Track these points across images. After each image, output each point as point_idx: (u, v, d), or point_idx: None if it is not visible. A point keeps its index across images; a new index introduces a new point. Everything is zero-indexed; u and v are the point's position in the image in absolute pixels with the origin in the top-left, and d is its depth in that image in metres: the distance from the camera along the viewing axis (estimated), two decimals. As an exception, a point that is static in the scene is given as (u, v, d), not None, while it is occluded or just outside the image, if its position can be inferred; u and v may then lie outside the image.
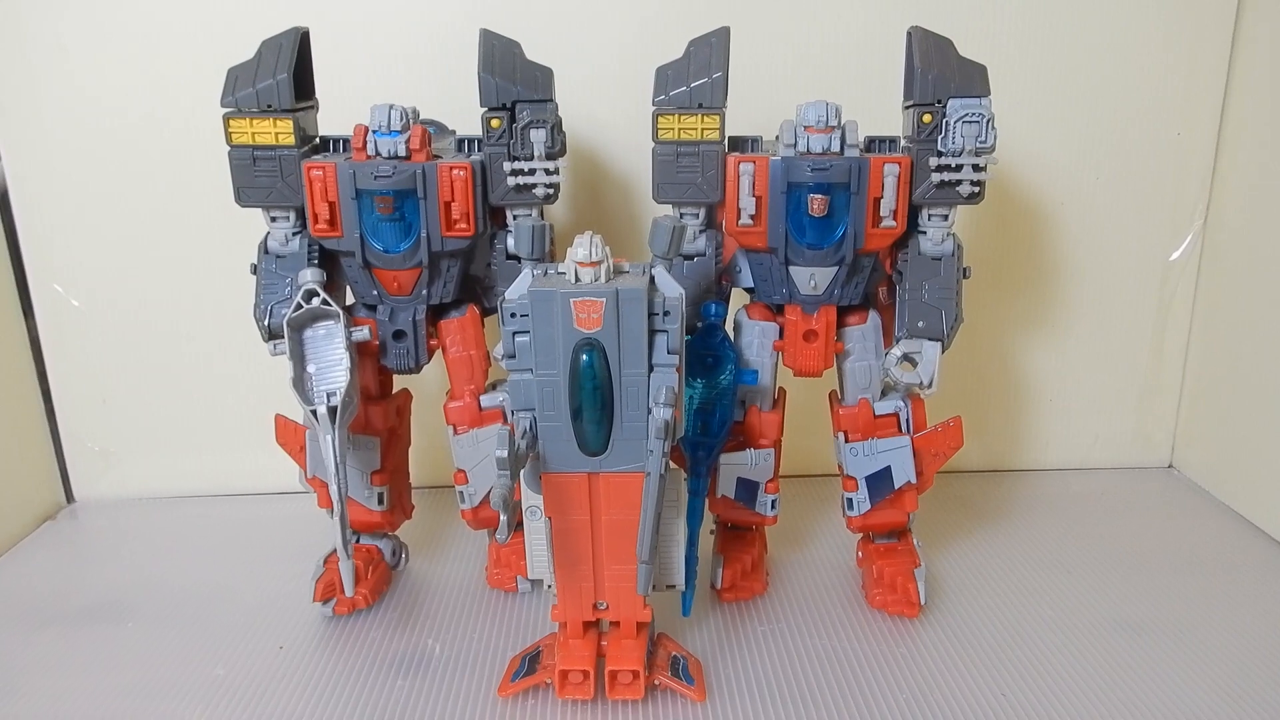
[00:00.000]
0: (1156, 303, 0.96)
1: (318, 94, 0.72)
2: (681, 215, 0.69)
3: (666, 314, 0.56)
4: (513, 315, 0.57)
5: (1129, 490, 0.95)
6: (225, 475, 0.96)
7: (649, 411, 0.57)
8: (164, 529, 0.90)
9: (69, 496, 0.96)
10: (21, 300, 0.91)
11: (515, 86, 0.66)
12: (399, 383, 0.76)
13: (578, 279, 0.56)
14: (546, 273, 0.58)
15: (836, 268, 0.66)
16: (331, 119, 0.73)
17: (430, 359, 0.72)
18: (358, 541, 0.76)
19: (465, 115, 0.71)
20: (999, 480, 0.97)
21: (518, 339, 0.57)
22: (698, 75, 0.65)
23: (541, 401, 0.57)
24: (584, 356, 0.56)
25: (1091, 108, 0.90)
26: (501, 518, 0.53)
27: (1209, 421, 0.95)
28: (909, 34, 0.67)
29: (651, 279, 0.58)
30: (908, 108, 0.67)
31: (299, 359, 0.66)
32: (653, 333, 0.56)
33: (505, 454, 0.52)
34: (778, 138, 0.77)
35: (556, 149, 0.67)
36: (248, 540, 0.87)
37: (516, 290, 0.58)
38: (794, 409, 0.75)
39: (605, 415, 0.57)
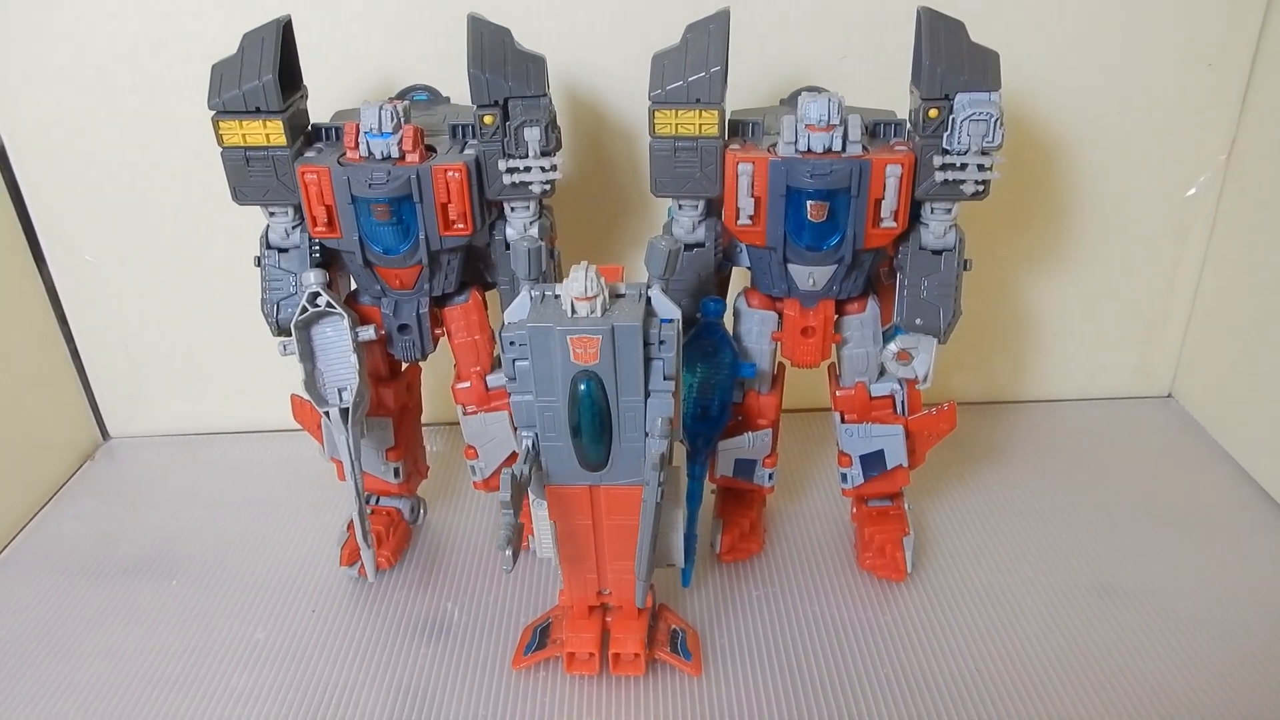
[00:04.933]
0: (1171, 238, 0.94)
1: (313, 60, 0.70)
2: (681, 206, 0.68)
3: (662, 343, 0.57)
4: (512, 343, 0.58)
5: (1125, 425, 0.97)
6: (252, 411, 0.99)
7: (646, 434, 0.59)
8: (198, 470, 0.95)
9: (104, 434, 1.01)
10: (33, 251, 0.93)
11: (507, 82, 0.64)
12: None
13: (574, 311, 0.57)
14: (544, 296, 0.59)
15: (835, 266, 0.66)
16: (326, 87, 0.72)
17: (435, 347, 0.73)
18: (378, 504, 0.81)
19: (459, 79, 0.69)
20: (997, 413, 0.99)
21: (518, 365, 0.59)
22: (695, 69, 0.63)
23: (542, 424, 0.59)
24: (582, 386, 0.57)
25: (1120, 36, 0.85)
26: (505, 552, 0.56)
27: (1211, 354, 0.96)
28: (918, 14, 0.63)
29: (648, 300, 0.59)
30: (915, 92, 0.65)
31: (309, 357, 0.68)
32: (648, 360, 0.58)
33: (509, 496, 0.55)
34: (781, 101, 0.76)
35: (551, 146, 0.65)
36: (278, 481, 0.92)
37: (515, 315, 0.59)
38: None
39: (604, 437, 0.59)
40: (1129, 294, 0.97)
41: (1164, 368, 1.01)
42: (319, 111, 0.72)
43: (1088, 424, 0.97)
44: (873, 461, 0.73)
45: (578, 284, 0.56)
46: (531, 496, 0.65)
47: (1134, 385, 1.02)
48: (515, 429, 0.62)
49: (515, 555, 0.57)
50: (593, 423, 0.58)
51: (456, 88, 0.73)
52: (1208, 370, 0.97)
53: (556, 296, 0.58)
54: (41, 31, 0.83)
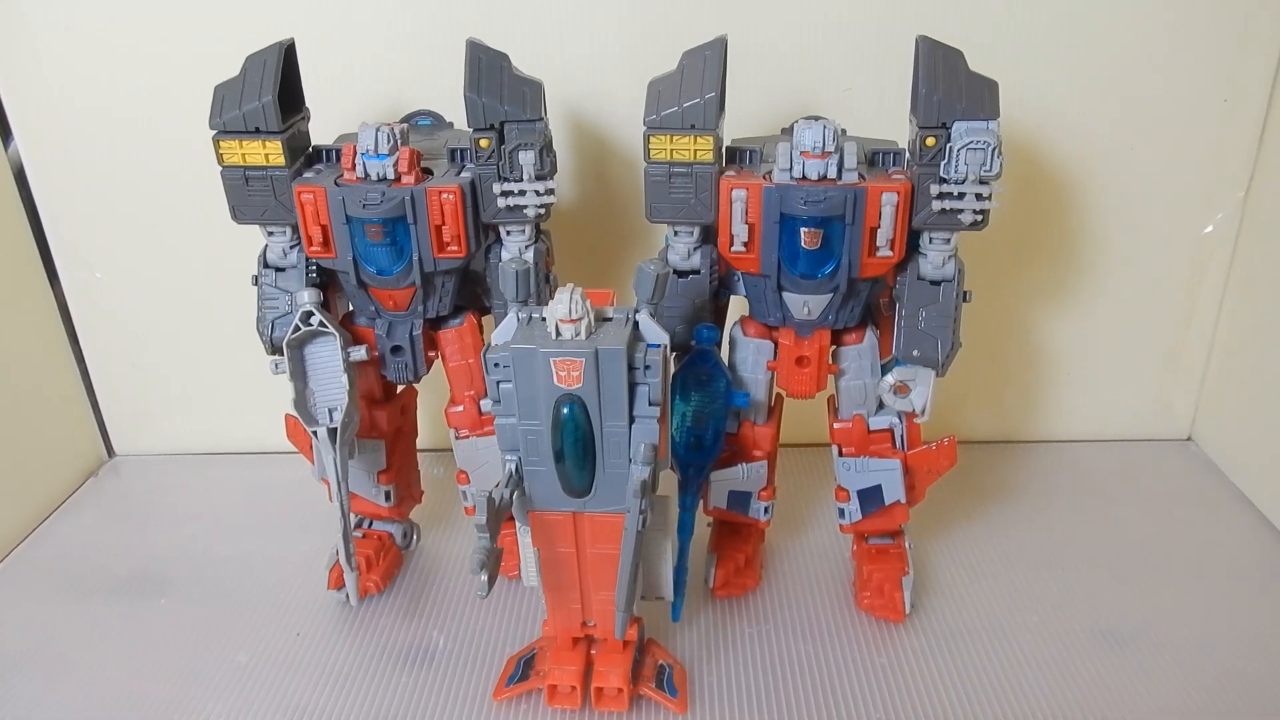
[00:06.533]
0: (1188, 275, 0.92)
1: (321, 84, 0.71)
2: (676, 232, 0.68)
3: (647, 368, 0.56)
4: (496, 365, 0.57)
5: (1142, 467, 0.94)
6: (259, 432, 0.99)
7: (631, 460, 0.58)
8: (200, 489, 0.95)
9: (110, 451, 1.02)
10: (47, 268, 0.94)
11: (503, 106, 0.64)
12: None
13: (559, 334, 0.56)
14: (530, 319, 0.58)
15: (831, 295, 0.65)
16: (333, 110, 0.72)
17: (429, 370, 0.73)
18: (370, 527, 0.80)
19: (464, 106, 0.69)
20: (1010, 452, 0.97)
21: (502, 387, 0.58)
22: (690, 94, 0.63)
23: (526, 449, 0.59)
24: (565, 410, 0.56)
25: (1132, 71, 0.84)
26: (481, 576, 0.55)
27: (1233, 397, 0.93)
28: (916, 43, 0.63)
29: (635, 324, 0.58)
30: (913, 120, 0.64)
31: (300, 377, 0.68)
32: (633, 385, 0.57)
33: (484, 520, 0.54)
34: (783, 130, 0.75)
35: (546, 170, 0.65)
36: (277, 502, 0.91)
37: (501, 337, 0.58)
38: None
39: (588, 462, 0.58)
40: (1145, 333, 0.95)
41: (1184, 410, 0.98)
42: (326, 134, 0.73)
43: (1103, 465, 0.94)
44: (870, 497, 0.71)
45: (562, 306, 0.56)
46: (517, 523, 0.64)
47: (1153, 427, 0.99)
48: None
49: (491, 581, 0.56)
50: (576, 447, 0.57)
51: (461, 114, 0.73)
52: (1229, 413, 0.94)
53: (544, 319, 0.58)
54: (57, 53, 0.84)
